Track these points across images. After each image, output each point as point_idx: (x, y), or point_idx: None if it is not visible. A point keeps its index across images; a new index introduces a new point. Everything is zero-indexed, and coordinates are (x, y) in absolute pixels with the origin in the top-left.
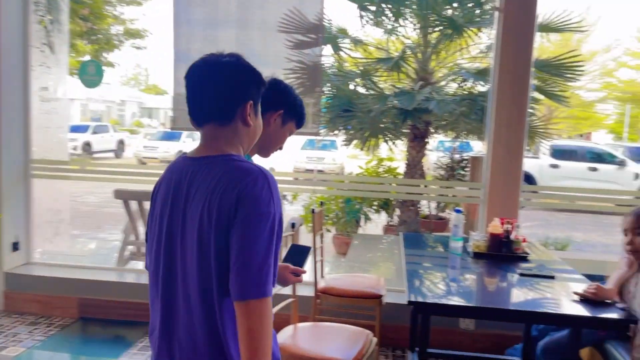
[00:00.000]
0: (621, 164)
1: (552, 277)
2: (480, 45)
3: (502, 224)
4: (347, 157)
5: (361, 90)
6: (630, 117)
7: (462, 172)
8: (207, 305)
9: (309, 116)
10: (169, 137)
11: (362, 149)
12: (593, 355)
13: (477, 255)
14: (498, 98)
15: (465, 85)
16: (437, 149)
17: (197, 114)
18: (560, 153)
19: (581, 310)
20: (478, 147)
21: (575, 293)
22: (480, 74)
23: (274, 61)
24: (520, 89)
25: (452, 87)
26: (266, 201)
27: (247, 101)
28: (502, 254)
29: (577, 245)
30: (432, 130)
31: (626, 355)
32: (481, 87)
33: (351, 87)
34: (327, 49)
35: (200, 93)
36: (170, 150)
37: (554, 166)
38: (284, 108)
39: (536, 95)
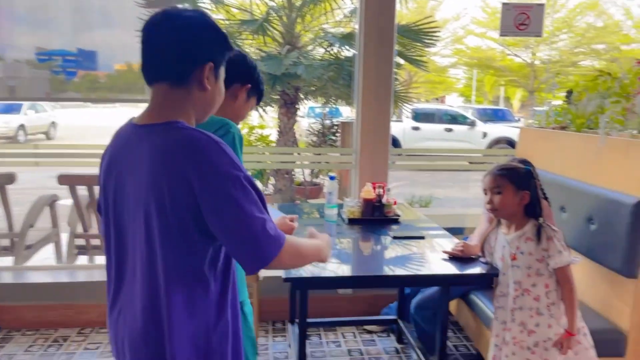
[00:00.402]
0: (472, 124)
1: (422, 238)
2: (344, 9)
3: (374, 188)
4: None
5: None
6: (477, 81)
7: (334, 138)
8: (151, 286)
9: None
10: (7, 109)
11: None
12: (460, 306)
13: (352, 221)
14: (364, 63)
15: (332, 50)
16: (308, 115)
17: (149, 69)
18: (420, 116)
19: (450, 269)
20: (347, 112)
21: (445, 252)
22: (346, 39)
23: (120, 21)
24: (385, 53)
25: (320, 52)
26: (223, 164)
27: (206, 62)
28: (376, 218)
29: (439, 202)
30: (302, 96)
31: (489, 303)
32: (347, 52)
33: None
34: None
35: (155, 47)
36: (11, 123)
37: (416, 128)
38: (252, 83)
39: (398, 60)
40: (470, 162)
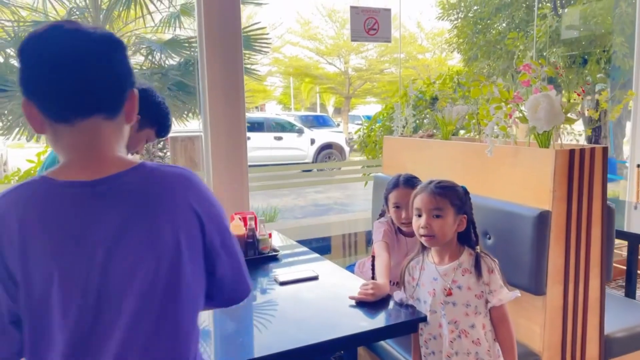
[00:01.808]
0: (300, 131)
1: (315, 278)
2: (163, 12)
3: (244, 221)
4: (9, 148)
5: (17, 63)
6: (294, 89)
7: (161, 154)
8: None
9: None
10: None
11: (29, 139)
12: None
13: None
14: (210, 71)
15: (155, 57)
16: None
17: (82, 99)
18: (249, 126)
19: (365, 322)
20: (175, 127)
21: (352, 298)
22: (170, 45)
23: None
24: (234, 60)
25: (139, 60)
26: (214, 197)
27: (133, 87)
28: (251, 258)
29: (281, 213)
30: None
31: (399, 348)
32: (171, 60)
33: (1, 59)
34: None
35: (92, 70)
36: None
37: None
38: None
39: None
40: (303, 170)
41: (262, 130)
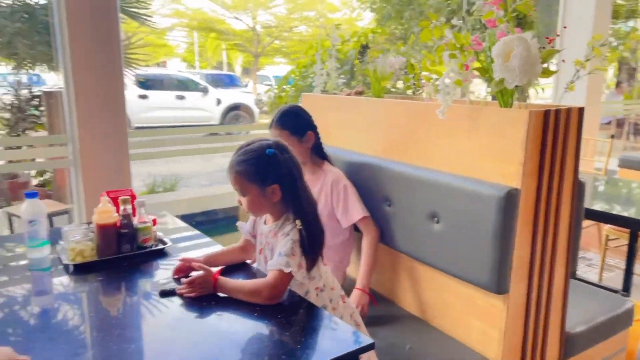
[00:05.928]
0: (204, 90)
1: None
2: None
3: (116, 203)
4: None
5: None
6: (199, 46)
7: (37, 113)
8: None
9: None
10: None
11: None
12: None
13: (81, 269)
14: (72, 12)
15: None
16: None
17: None
18: (147, 83)
19: (295, 345)
20: (53, 79)
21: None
22: None
23: None
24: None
25: None
26: None
27: None
28: (125, 254)
29: (183, 181)
30: None
31: None
32: None
33: None
34: None
35: None
36: None
37: (143, 97)
38: None
39: None
40: (209, 134)
41: (162, 88)
